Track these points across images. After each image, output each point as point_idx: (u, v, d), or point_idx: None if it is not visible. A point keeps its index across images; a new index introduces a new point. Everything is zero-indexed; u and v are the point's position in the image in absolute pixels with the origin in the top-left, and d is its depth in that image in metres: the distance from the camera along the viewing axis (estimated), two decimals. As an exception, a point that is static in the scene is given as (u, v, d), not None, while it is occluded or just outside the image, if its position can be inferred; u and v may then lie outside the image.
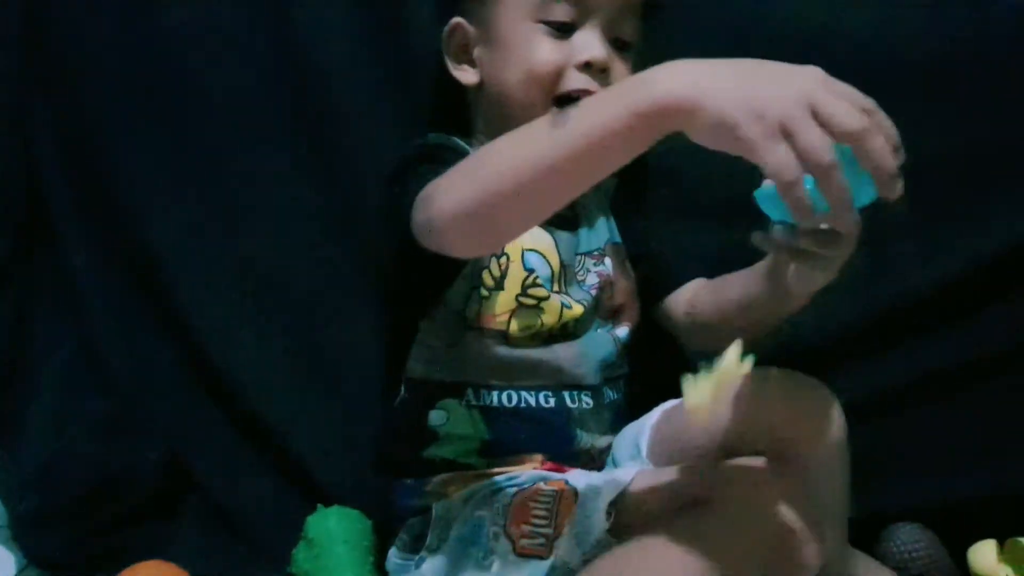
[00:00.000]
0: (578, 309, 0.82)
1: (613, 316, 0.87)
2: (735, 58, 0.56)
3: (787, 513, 0.64)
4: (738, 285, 0.83)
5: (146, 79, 0.99)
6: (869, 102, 0.55)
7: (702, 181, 0.93)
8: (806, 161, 0.52)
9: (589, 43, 0.79)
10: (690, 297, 0.89)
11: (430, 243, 0.66)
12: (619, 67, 0.81)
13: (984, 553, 0.90)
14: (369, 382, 0.92)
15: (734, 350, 0.61)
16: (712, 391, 0.59)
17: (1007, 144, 0.92)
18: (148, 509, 0.96)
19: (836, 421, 0.72)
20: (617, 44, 0.81)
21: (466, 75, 0.85)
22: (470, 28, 0.84)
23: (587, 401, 0.82)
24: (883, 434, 0.92)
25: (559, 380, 0.80)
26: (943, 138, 0.90)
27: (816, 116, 0.52)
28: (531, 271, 0.80)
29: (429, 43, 0.89)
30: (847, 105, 0.53)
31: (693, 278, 0.90)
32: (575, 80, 0.79)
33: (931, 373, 0.95)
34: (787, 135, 0.52)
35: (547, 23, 0.79)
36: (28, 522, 0.93)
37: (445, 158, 0.70)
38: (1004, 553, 0.91)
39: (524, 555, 0.70)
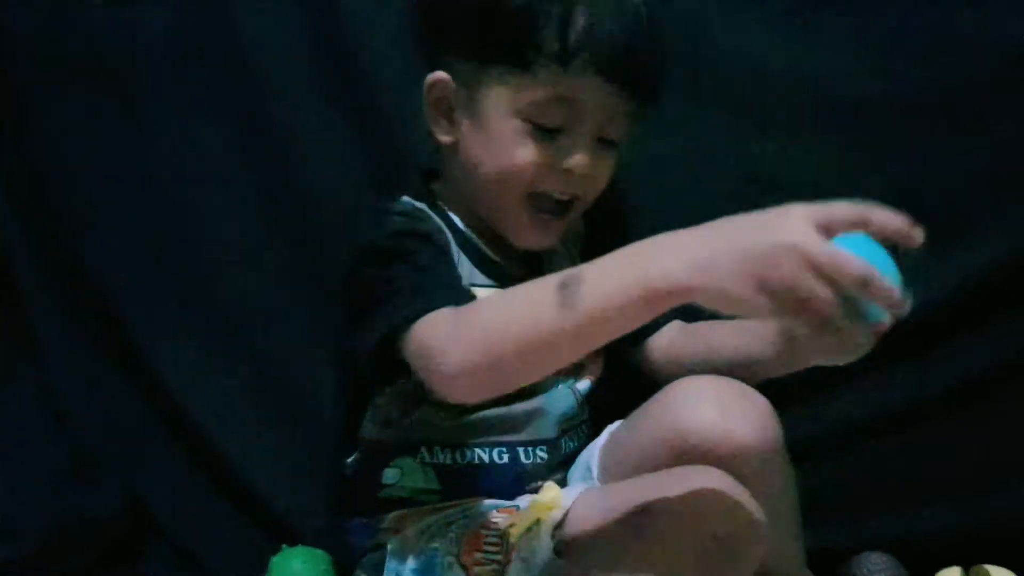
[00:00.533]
0: None
1: (575, 371, 0.83)
2: (717, 219, 0.57)
3: (726, 516, 0.63)
4: (731, 340, 0.81)
5: (97, 121, 1.01)
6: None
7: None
8: (819, 314, 0.53)
9: (574, 151, 0.75)
10: (667, 343, 0.88)
11: (429, 386, 0.67)
12: (601, 166, 0.78)
13: (949, 579, 0.90)
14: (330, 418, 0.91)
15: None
16: None
17: (984, 176, 0.94)
18: (111, 555, 0.95)
19: (771, 428, 0.70)
20: (602, 142, 0.77)
21: (442, 133, 0.78)
22: (454, 89, 0.77)
23: (542, 456, 0.81)
24: (847, 467, 0.93)
25: (515, 437, 0.79)
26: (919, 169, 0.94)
27: (814, 268, 0.53)
28: None
29: (383, 65, 0.92)
30: (839, 251, 0.53)
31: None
32: (552, 182, 0.76)
33: (895, 407, 0.96)
34: (797, 299, 0.53)
35: (535, 124, 0.74)
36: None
37: (416, 254, 0.72)
38: (970, 579, 0.92)
39: None
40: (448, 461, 0.78)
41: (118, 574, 0.95)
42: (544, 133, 0.75)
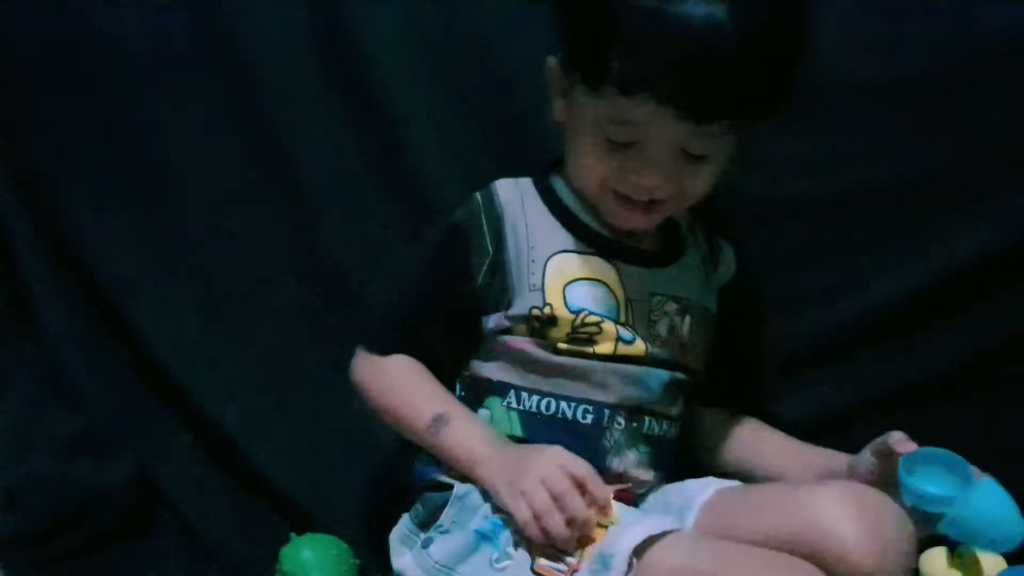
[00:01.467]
0: (639, 347, 0.81)
1: (680, 367, 0.84)
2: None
3: None
4: (775, 459, 0.86)
5: (94, 107, 1.02)
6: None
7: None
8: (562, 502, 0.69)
9: (643, 167, 0.75)
10: (721, 421, 0.90)
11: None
12: (685, 176, 0.77)
13: (935, 559, 0.92)
14: (339, 395, 0.93)
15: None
16: None
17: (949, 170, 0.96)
18: (120, 528, 0.97)
19: (907, 556, 0.70)
20: (688, 156, 0.76)
21: (557, 111, 0.81)
22: (560, 77, 0.79)
23: (622, 423, 0.81)
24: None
25: (601, 398, 0.81)
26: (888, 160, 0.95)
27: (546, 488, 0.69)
28: (578, 312, 0.79)
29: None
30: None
31: None
32: (627, 187, 0.77)
33: (877, 393, 0.98)
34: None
35: (607, 138, 0.75)
36: None
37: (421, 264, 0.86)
38: (955, 560, 0.93)
39: (539, 574, 0.71)
40: (533, 409, 0.80)
41: (126, 547, 0.96)
42: (615, 145, 0.76)
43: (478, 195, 0.83)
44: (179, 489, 1.02)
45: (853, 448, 0.94)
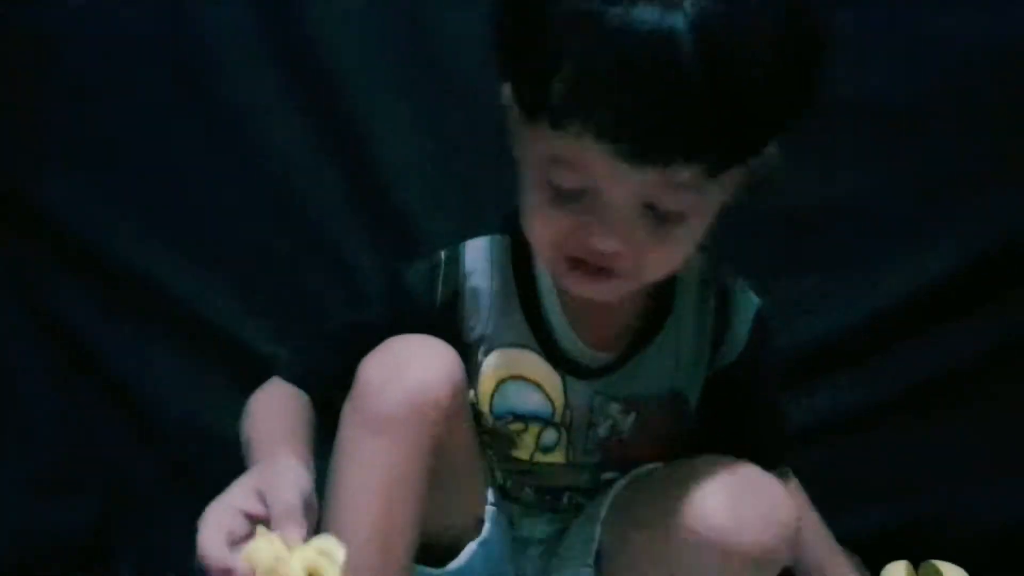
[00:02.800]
0: (558, 455, 0.77)
1: (623, 466, 0.79)
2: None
3: None
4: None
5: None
6: None
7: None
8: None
9: (595, 224, 0.59)
10: None
11: None
12: (651, 240, 0.60)
13: (896, 573, 0.94)
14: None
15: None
16: None
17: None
18: (83, 562, 0.96)
19: (781, 529, 0.67)
20: (655, 215, 0.59)
21: (516, 148, 0.65)
22: (510, 107, 0.63)
23: (531, 494, 0.81)
24: (799, 467, 0.95)
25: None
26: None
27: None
28: (501, 417, 0.75)
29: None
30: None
31: None
32: (584, 252, 0.61)
33: (845, 410, 1.00)
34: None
35: (551, 184, 0.60)
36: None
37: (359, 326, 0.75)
38: (918, 575, 0.95)
39: None
40: None
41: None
42: (565, 195, 0.60)
43: (442, 254, 0.74)
44: (141, 521, 1.02)
45: (858, 453, 0.99)
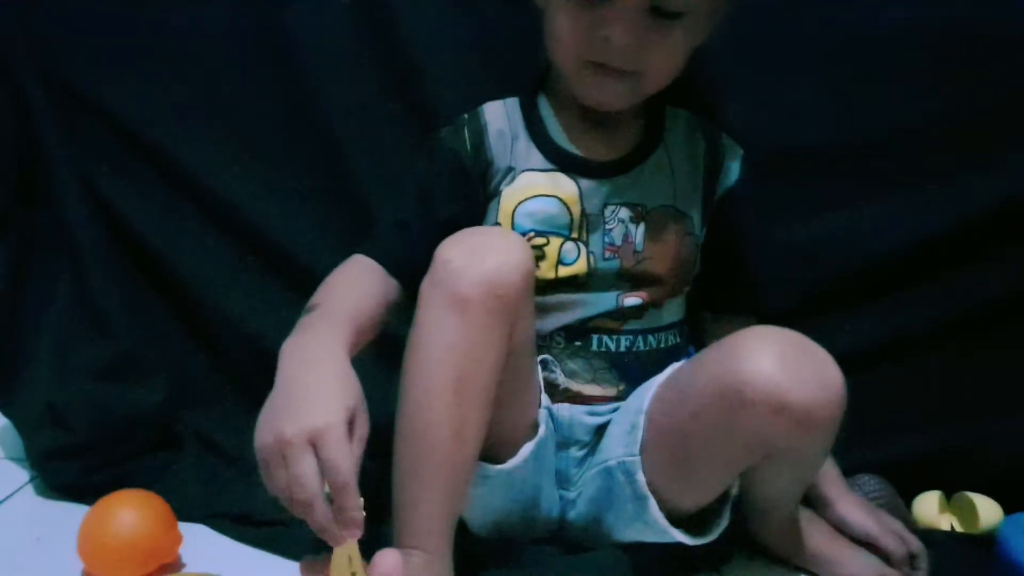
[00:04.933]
0: (580, 266, 0.84)
1: (629, 286, 0.86)
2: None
3: None
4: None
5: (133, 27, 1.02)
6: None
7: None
8: (292, 488, 0.62)
9: (609, 19, 0.77)
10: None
11: None
12: (654, 40, 0.78)
13: (928, 503, 0.95)
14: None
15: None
16: None
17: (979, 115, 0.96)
18: (152, 443, 1.01)
19: (828, 394, 0.71)
20: (658, 14, 0.77)
21: None
22: None
23: (561, 342, 0.85)
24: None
25: (564, 321, 0.85)
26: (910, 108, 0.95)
27: (317, 454, 0.62)
28: (523, 234, 0.83)
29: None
30: (343, 457, 0.62)
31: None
32: (597, 52, 0.79)
33: (881, 340, 1.00)
34: (285, 462, 0.62)
35: None
36: (43, 456, 0.98)
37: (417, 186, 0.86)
38: (951, 505, 0.96)
39: None
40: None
41: (157, 457, 1.00)
42: (586, 1, 0.77)
43: (465, 114, 0.87)
44: (202, 412, 1.07)
45: (895, 382, 1.00)
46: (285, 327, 1.01)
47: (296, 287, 1.03)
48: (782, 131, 0.98)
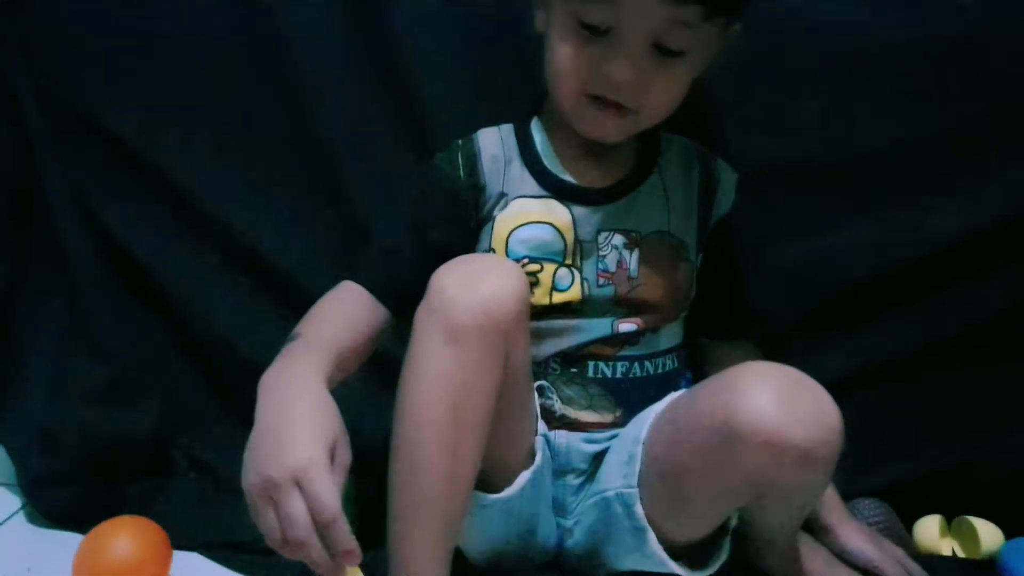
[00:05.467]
0: (574, 292, 0.84)
1: (624, 312, 0.86)
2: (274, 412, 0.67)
3: None
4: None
5: (129, 43, 1.01)
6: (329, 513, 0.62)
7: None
8: (285, 529, 0.62)
9: (615, 56, 0.76)
10: (727, 362, 0.83)
11: None
12: (656, 77, 0.78)
13: (929, 528, 0.95)
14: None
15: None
16: None
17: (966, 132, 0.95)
18: (144, 467, 1.01)
19: (825, 432, 0.70)
20: (661, 51, 0.77)
21: (540, 21, 0.83)
22: None
23: (556, 369, 0.85)
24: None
25: (557, 348, 0.84)
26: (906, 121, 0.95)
27: (302, 491, 0.62)
28: (518, 260, 0.83)
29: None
30: (327, 491, 0.62)
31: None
32: (598, 86, 0.79)
33: (879, 361, 0.99)
34: (274, 503, 0.62)
35: (580, 22, 0.76)
36: (34, 482, 0.98)
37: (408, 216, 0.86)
38: (952, 529, 0.96)
39: None
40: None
41: (150, 483, 1.00)
42: (589, 33, 0.76)
43: (459, 140, 0.88)
44: (195, 433, 1.06)
45: (894, 404, 0.99)
46: (279, 349, 1.03)
47: (293, 310, 1.00)
48: (779, 149, 0.97)
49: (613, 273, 0.85)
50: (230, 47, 1.01)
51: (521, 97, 0.91)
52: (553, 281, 0.84)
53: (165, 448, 1.04)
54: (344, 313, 0.80)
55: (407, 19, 0.97)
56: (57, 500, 0.97)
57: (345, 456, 0.66)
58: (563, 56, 0.79)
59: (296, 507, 0.61)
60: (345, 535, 0.62)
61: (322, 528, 0.62)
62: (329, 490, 0.62)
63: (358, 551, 0.63)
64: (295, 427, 0.65)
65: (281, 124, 1.02)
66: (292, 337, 0.75)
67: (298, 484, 0.62)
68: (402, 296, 0.75)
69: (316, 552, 0.62)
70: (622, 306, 0.86)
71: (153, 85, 1.02)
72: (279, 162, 1.04)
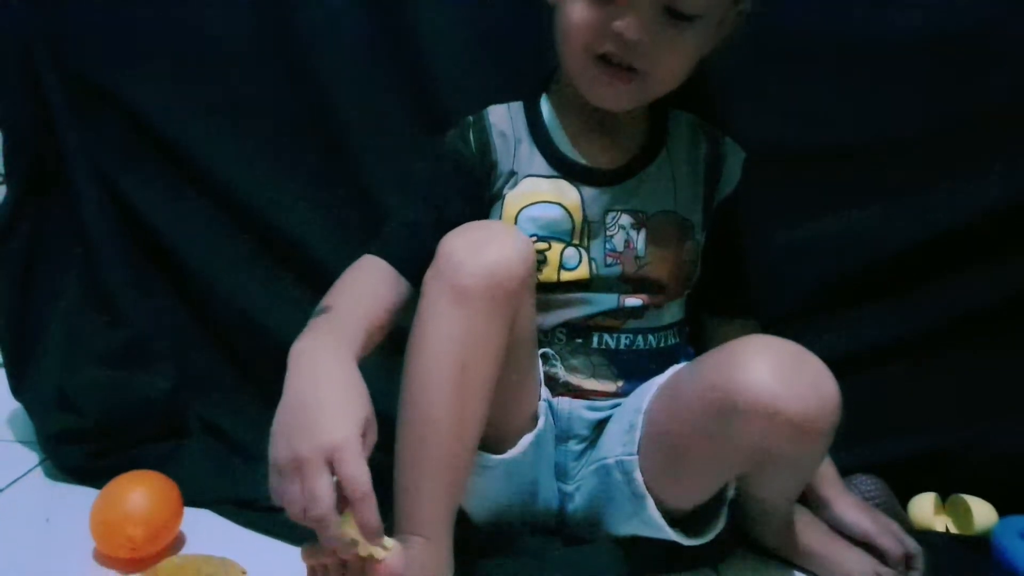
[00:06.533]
0: (583, 271, 0.86)
1: (632, 288, 0.87)
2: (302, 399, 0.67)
3: None
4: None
5: (149, 23, 1.02)
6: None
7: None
8: (307, 504, 0.63)
9: (623, 14, 0.77)
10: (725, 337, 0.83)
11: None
12: (665, 39, 0.78)
13: (924, 505, 0.96)
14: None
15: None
16: None
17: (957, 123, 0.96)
18: (159, 430, 1.03)
19: (822, 404, 0.71)
20: (672, 15, 0.77)
21: None
22: None
23: (563, 338, 0.86)
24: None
25: (567, 317, 0.86)
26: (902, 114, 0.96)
27: (334, 471, 0.63)
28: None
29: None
30: (361, 472, 0.63)
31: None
32: (608, 44, 0.79)
33: (879, 342, 1.01)
34: (301, 477, 0.63)
35: None
36: (53, 439, 1.01)
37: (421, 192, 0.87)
38: (946, 507, 0.97)
39: None
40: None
41: (166, 443, 1.02)
42: None
43: (470, 117, 0.88)
44: (210, 400, 1.08)
45: (892, 383, 1.00)
46: (294, 321, 1.02)
47: (306, 282, 1.05)
48: (786, 132, 0.98)
49: (621, 253, 0.87)
50: (249, 33, 1.02)
51: (530, 73, 0.92)
52: (561, 260, 0.85)
53: (180, 412, 1.06)
54: (369, 287, 0.80)
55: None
56: (74, 457, 0.99)
57: (373, 435, 0.67)
58: (574, 14, 0.79)
59: (322, 485, 0.62)
60: (374, 513, 0.63)
61: (354, 504, 0.63)
62: (362, 470, 0.63)
63: (382, 529, 0.65)
64: (328, 405, 0.65)
65: (298, 103, 1.04)
66: (320, 310, 0.76)
67: (329, 463, 0.63)
68: (423, 269, 0.76)
69: (334, 529, 0.63)
70: (628, 283, 0.87)
71: (174, 67, 1.04)
72: (297, 140, 1.05)
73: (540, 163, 0.87)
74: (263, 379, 1.08)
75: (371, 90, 1.02)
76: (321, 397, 0.66)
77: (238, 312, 1.08)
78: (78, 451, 0.99)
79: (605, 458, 0.84)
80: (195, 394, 1.08)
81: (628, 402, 0.86)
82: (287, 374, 0.69)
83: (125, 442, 1.00)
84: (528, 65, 0.93)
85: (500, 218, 0.86)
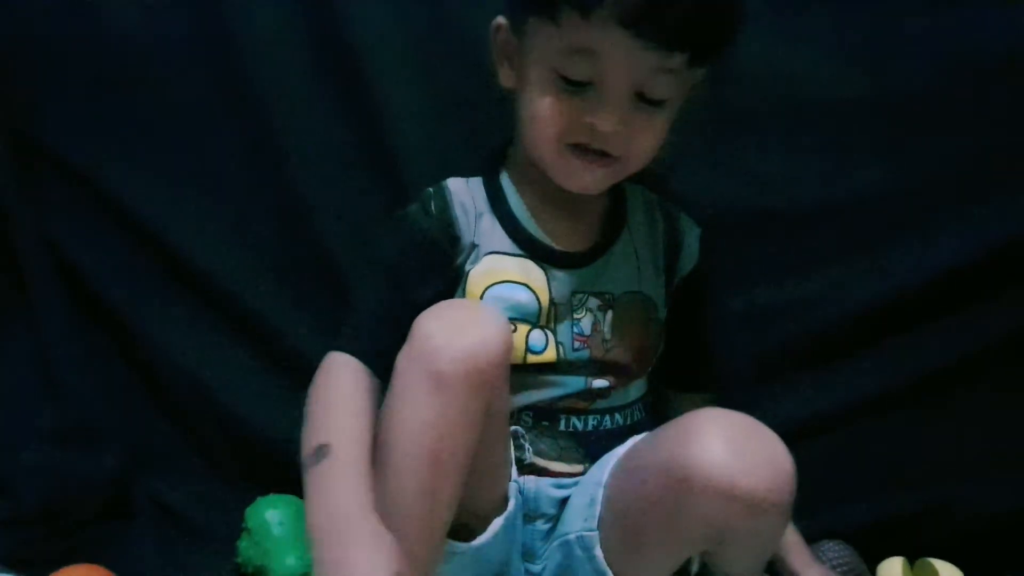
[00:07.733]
0: (549, 355, 0.83)
1: (597, 371, 0.85)
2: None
3: None
4: None
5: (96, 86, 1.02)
6: None
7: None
8: None
9: (598, 106, 0.75)
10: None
11: None
12: (639, 125, 0.77)
13: (892, 569, 0.95)
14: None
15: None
16: None
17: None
18: (104, 510, 0.99)
19: (778, 480, 0.69)
20: (643, 100, 0.76)
21: (505, 76, 0.83)
22: (512, 37, 0.81)
23: (529, 421, 0.84)
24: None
25: (532, 400, 0.84)
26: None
27: None
28: None
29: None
30: None
31: None
32: (581, 135, 0.77)
33: (839, 405, 1.01)
34: None
35: (561, 76, 0.75)
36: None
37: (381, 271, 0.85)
38: (915, 571, 0.96)
39: None
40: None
41: (110, 526, 0.98)
42: (570, 85, 0.75)
43: (430, 188, 0.86)
44: (155, 473, 1.05)
45: (856, 446, 1.00)
46: (249, 391, 1.02)
47: (264, 351, 1.04)
48: (740, 197, 1.00)
49: (588, 337, 0.85)
50: (204, 92, 1.02)
51: (487, 148, 0.90)
52: (527, 343, 0.83)
53: (126, 489, 1.02)
54: (353, 404, 0.76)
55: (379, 70, 0.99)
56: (9, 544, 0.94)
57: None
58: (543, 108, 0.77)
59: None
60: None
61: None
62: None
63: None
64: (366, 570, 0.65)
65: (254, 171, 1.03)
66: (321, 453, 0.72)
67: None
68: (392, 361, 0.73)
69: None
70: (596, 365, 0.85)
71: (130, 132, 1.03)
72: (249, 204, 1.04)
73: (503, 239, 0.85)
74: (214, 451, 1.05)
75: (326, 154, 1.02)
76: (356, 563, 0.66)
77: (190, 382, 1.05)
78: (14, 537, 0.94)
79: (567, 533, 0.82)
80: (143, 469, 1.05)
81: (589, 475, 0.84)
82: (315, 545, 0.68)
83: (65, 527, 0.96)
84: (489, 135, 0.91)
85: (464, 296, 0.84)
